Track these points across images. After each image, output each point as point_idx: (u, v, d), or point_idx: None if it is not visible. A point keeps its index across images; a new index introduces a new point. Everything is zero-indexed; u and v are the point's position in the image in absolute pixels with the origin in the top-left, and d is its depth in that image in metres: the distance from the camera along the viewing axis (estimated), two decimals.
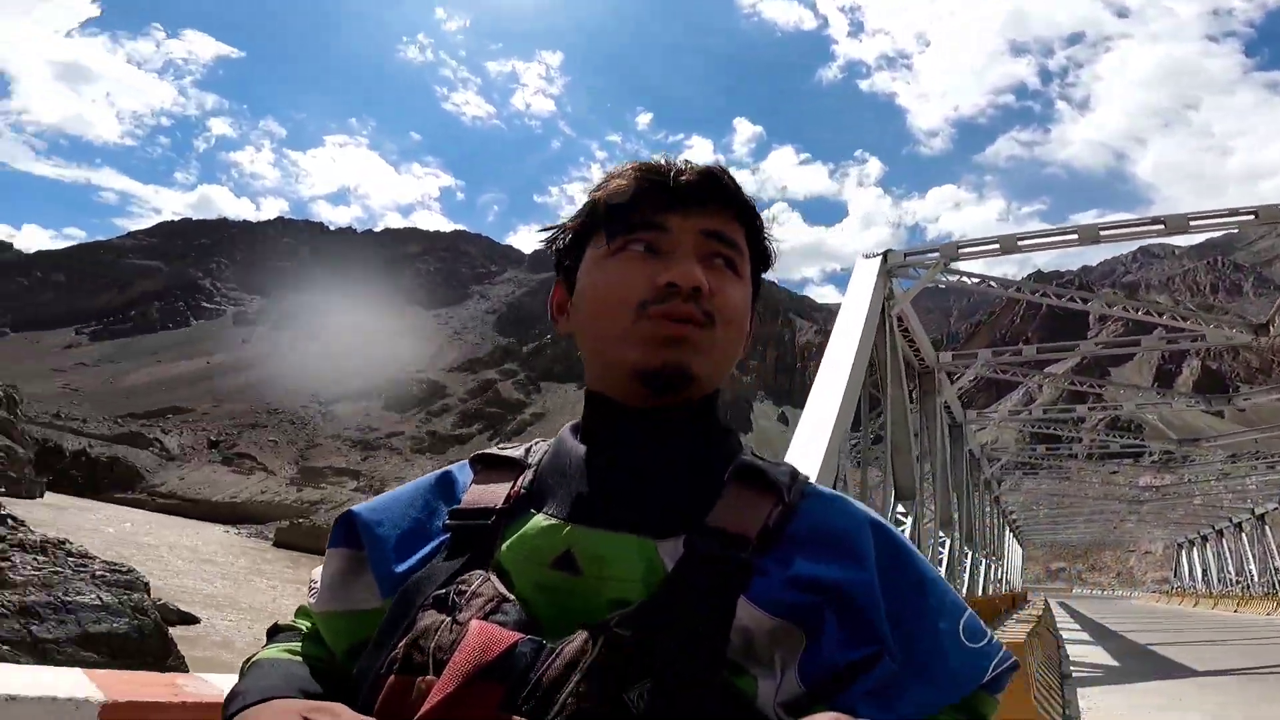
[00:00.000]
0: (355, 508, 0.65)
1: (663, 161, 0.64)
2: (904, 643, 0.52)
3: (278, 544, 52.46)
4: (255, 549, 47.11)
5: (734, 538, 0.53)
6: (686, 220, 0.62)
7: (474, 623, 0.48)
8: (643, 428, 0.61)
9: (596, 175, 0.69)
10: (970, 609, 0.57)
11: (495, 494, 0.61)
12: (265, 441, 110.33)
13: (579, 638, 0.48)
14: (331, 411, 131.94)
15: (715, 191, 0.64)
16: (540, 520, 0.57)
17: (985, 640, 0.56)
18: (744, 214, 0.66)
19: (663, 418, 0.61)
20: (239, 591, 24.72)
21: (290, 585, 29.02)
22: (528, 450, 0.67)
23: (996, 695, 0.56)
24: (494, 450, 0.67)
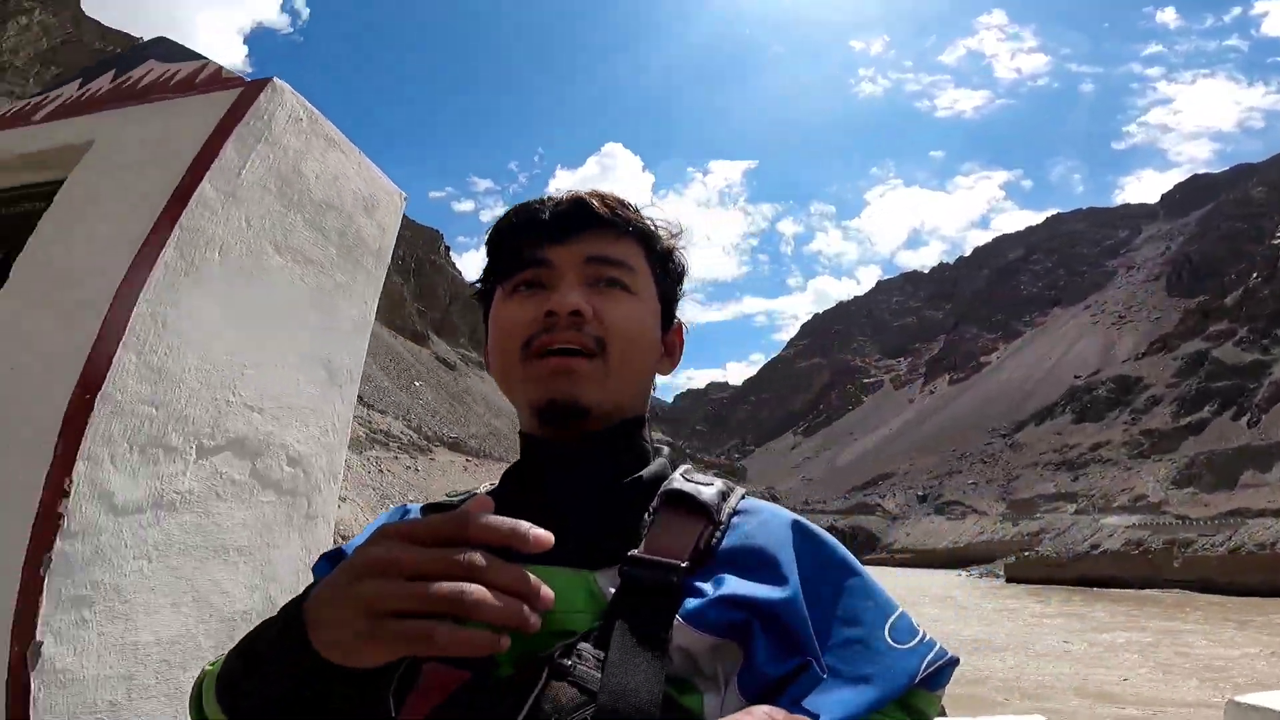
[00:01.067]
0: (340, 546, 0.69)
1: (543, 197, 0.67)
2: (831, 650, 0.54)
3: (1009, 579, 51.78)
4: (991, 588, 46.79)
5: (665, 563, 0.55)
6: (567, 250, 0.64)
7: (426, 665, 0.51)
8: (559, 461, 0.63)
9: None
10: (900, 609, 0.59)
11: None
12: (965, 485, 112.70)
13: (526, 671, 0.50)
14: (1017, 441, 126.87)
15: (587, 217, 0.65)
16: None
17: (915, 639, 0.57)
18: (633, 232, 0.67)
19: (576, 450, 0.63)
20: (992, 630, 24.38)
21: (1046, 618, 27.16)
22: (470, 494, 0.68)
23: (937, 691, 0.57)
24: (443, 499, 0.69)
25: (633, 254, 0.67)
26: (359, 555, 0.45)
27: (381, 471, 32.40)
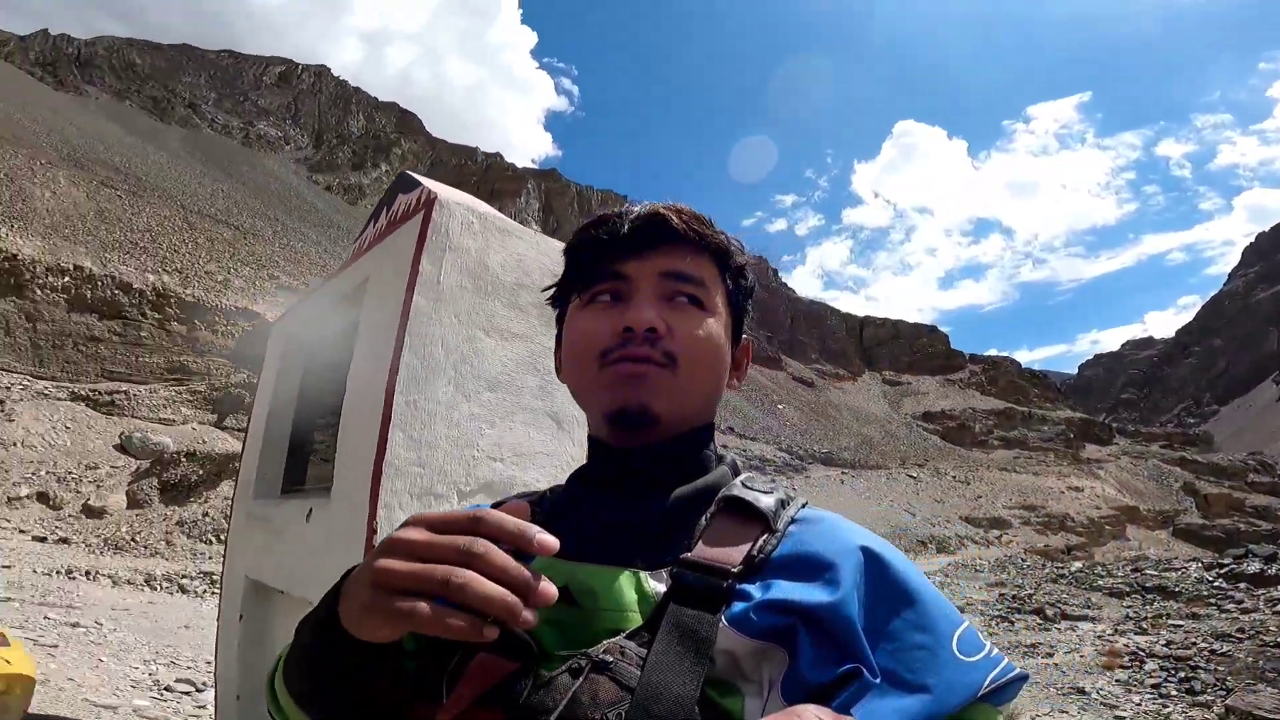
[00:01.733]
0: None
1: (622, 210, 0.68)
2: (890, 658, 0.53)
3: None
4: None
5: (717, 567, 0.56)
6: (644, 264, 0.66)
7: (478, 656, 0.54)
8: (624, 466, 0.65)
9: None
10: (967, 622, 0.58)
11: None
12: None
13: (570, 665, 0.52)
14: None
15: (665, 232, 0.66)
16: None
17: (981, 653, 0.56)
18: (708, 248, 0.68)
19: (642, 455, 0.65)
20: None
21: None
22: (544, 495, 0.72)
23: (1001, 707, 0.57)
24: (513, 498, 0.71)
25: (707, 270, 0.68)
26: (387, 537, 0.50)
27: None
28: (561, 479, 2.26)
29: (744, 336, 0.75)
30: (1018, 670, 0.57)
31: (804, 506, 0.65)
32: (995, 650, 0.57)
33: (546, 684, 0.51)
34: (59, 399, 19.62)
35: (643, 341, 0.63)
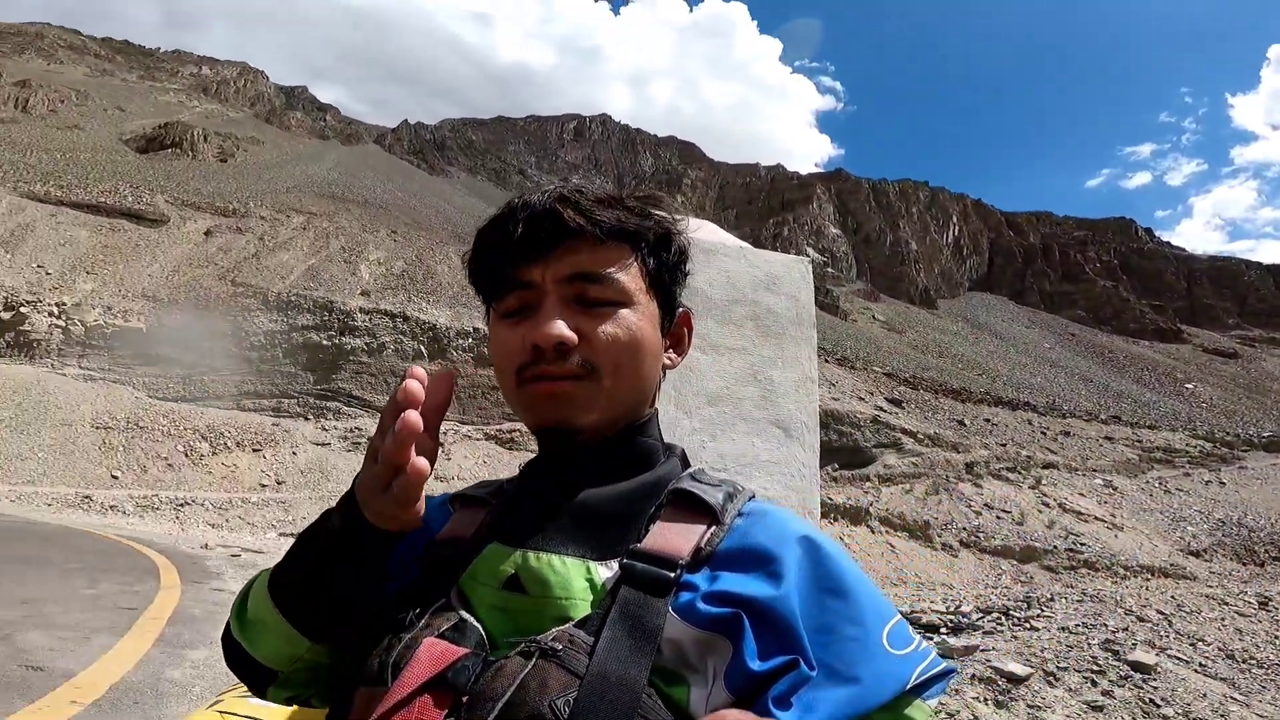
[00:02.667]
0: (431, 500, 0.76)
1: (517, 204, 0.64)
2: (824, 650, 0.54)
3: None
4: None
5: (665, 558, 0.57)
6: (547, 269, 0.62)
7: (426, 640, 0.54)
8: (567, 463, 0.65)
9: None
10: (899, 615, 0.59)
11: (467, 527, 0.67)
12: None
13: (518, 652, 0.52)
14: None
15: (562, 229, 0.62)
16: (495, 547, 0.62)
17: (910, 646, 0.57)
18: (616, 235, 0.64)
19: (579, 454, 0.65)
20: None
21: None
22: (499, 486, 0.72)
23: (929, 701, 0.57)
24: (471, 490, 0.73)
25: (618, 259, 0.64)
26: None
27: (1168, 492, 27.49)
28: (791, 486, 2.25)
29: (680, 310, 0.72)
30: (944, 664, 0.57)
31: (751, 499, 0.65)
32: (924, 644, 0.57)
33: (495, 670, 0.51)
34: (477, 439, 25.09)
35: (555, 357, 0.61)
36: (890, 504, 22.47)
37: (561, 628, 0.54)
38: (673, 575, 0.56)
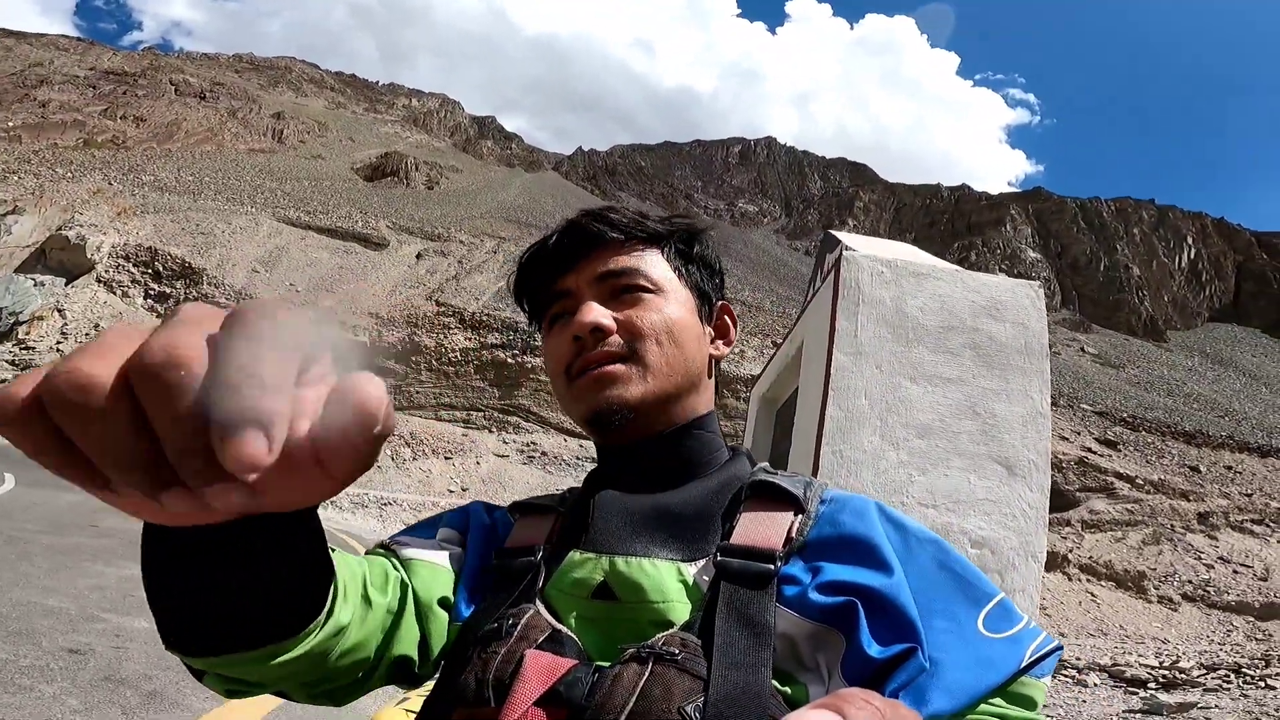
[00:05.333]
0: (475, 503, 0.74)
1: (550, 232, 0.70)
2: (931, 637, 0.53)
3: None
4: None
5: (761, 551, 0.56)
6: (579, 275, 0.67)
7: (529, 652, 0.51)
8: (633, 462, 0.66)
9: None
10: (999, 595, 0.57)
11: (537, 535, 0.66)
12: None
13: (631, 660, 0.50)
14: None
15: (588, 239, 0.67)
16: (576, 556, 0.60)
17: (1016, 626, 0.55)
18: (640, 237, 0.68)
19: (645, 449, 0.65)
20: None
21: None
22: (562, 497, 0.71)
23: (1042, 679, 0.56)
24: (529, 499, 0.72)
25: (644, 257, 0.68)
26: None
27: None
28: (1011, 527, 2.08)
29: (720, 301, 0.74)
30: (1055, 642, 0.55)
31: (825, 486, 0.64)
32: (1032, 623, 0.56)
33: (612, 679, 0.48)
34: None
35: (595, 344, 0.63)
36: (1095, 551, 20.06)
37: (669, 631, 0.52)
38: (772, 568, 0.54)
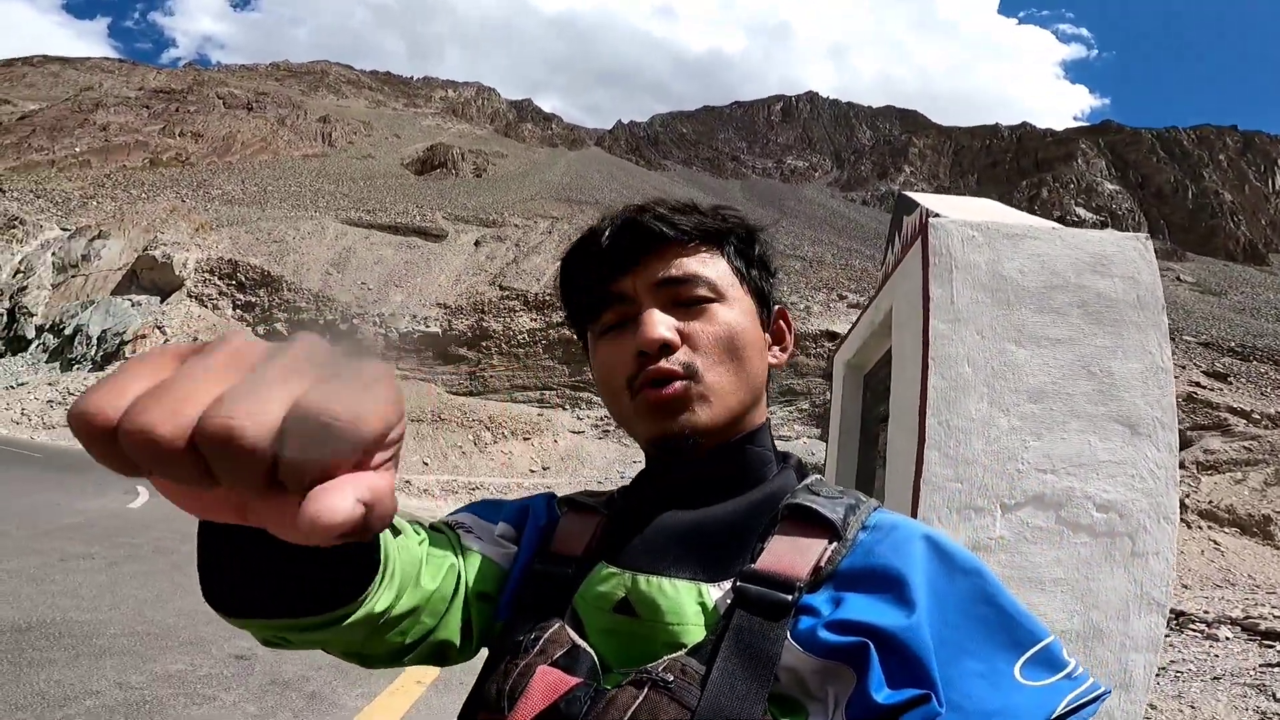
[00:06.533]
0: (540, 497, 0.73)
1: (599, 224, 0.65)
2: (954, 684, 0.50)
3: None
4: None
5: (782, 580, 0.54)
6: (638, 278, 0.63)
7: (539, 668, 0.53)
8: (681, 476, 0.64)
9: None
10: (1047, 638, 0.54)
11: (577, 542, 0.66)
12: None
13: (630, 684, 0.50)
14: None
15: (646, 238, 0.63)
16: (604, 569, 0.60)
17: (1056, 674, 0.52)
18: (697, 237, 0.64)
19: (693, 467, 0.63)
20: None
21: None
22: (610, 497, 0.71)
23: None
24: (580, 497, 0.71)
25: (707, 260, 0.64)
26: None
27: None
28: (1139, 488, 2.02)
29: (776, 304, 0.70)
30: (1102, 689, 0.52)
31: (876, 510, 0.60)
32: (1078, 669, 0.52)
33: (606, 702, 0.50)
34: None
35: (660, 359, 0.60)
36: (1214, 495, 18.83)
37: (673, 656, 0.52)
38: (790, 599, 0.52)
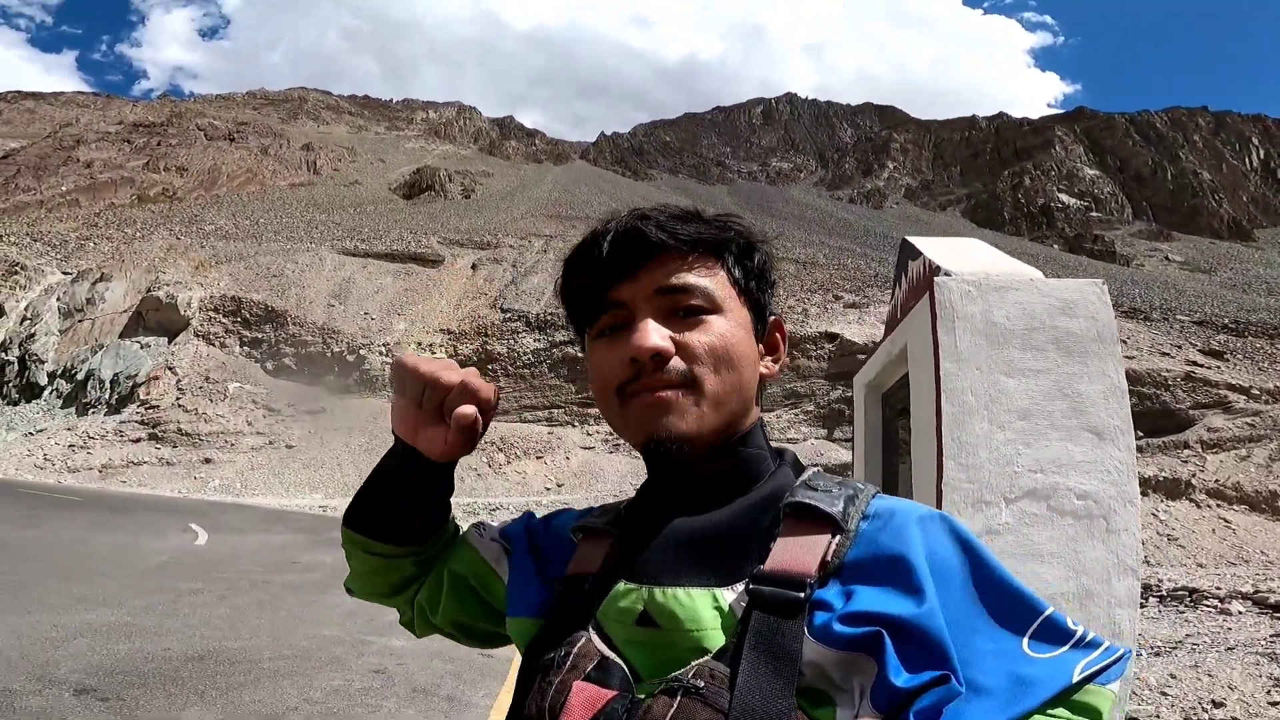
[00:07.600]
0: (530, 521, 0.82)
1: (599, 229, 0.67)
2: (966, 661, 0.51)
3: None
4: None
5: (792, 578, 0.55)
6: (637, 286, 0.64)
7: (576, 684, 0.56)
8: (680, 483, 0.66)
9: None
10: (1048, 610, 0.55)
11: (593, 560, 0.68)
12: None
13: (663, 692, 0.53)
14: None
15: (646, 247, 0.64)
16: (622, 585, 0.62)
17: (1065, 644, 0.53)
18: (697, 246, 0.66)
19: (688, 474, 0.65)
20: None
21: None
22: (618, 513, 0.73)
23: (1108, 685, 0.52)
24: (590, 521, 0.73)
25: (706, 270, 0.66)
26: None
27: None
28: (1107, 480, 2.77)
29: (772, 316, 0.73)
30: (1119, 651, 0.54)
31: (874, 497, 0.62)
32: (1089, 635, 0.54)
33: (643, 711, 0.52)
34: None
35: (654, 368, 0.62)
36: (1221, 473, 19.04)
37: (701, 661, 0.54)
38: (802, 595, 0.54)
